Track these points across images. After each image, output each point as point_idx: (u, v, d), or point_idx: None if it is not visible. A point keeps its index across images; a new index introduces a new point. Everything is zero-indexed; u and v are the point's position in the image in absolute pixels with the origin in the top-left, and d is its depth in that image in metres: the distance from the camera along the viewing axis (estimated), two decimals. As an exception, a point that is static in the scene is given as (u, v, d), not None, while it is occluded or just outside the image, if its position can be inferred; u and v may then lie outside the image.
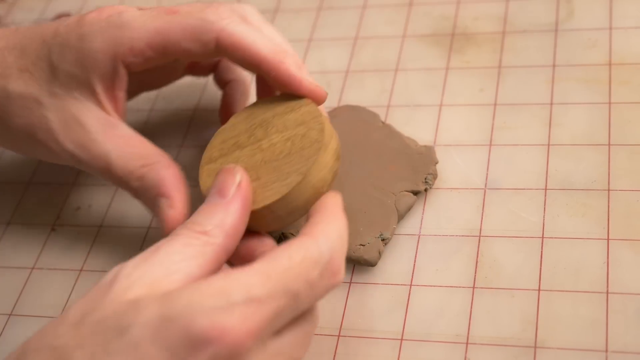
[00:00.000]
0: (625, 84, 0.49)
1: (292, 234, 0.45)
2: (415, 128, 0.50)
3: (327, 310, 0.43)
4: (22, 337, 0.46)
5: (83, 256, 0.49)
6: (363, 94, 0.53)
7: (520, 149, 0.48)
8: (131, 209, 0.51)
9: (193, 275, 0.35)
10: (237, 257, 0.40)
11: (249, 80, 0.52)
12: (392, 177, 0.47)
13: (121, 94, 0.45)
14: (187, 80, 0.55)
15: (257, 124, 0.43)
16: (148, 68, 0.45)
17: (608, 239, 0.42)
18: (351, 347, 0.42)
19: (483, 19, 0.55)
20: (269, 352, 0.34)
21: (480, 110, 0.50)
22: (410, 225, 0.46)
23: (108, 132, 0.44)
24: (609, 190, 0.44)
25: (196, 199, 0.52)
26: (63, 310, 0.47)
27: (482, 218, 0.45)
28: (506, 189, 0.46)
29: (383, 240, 0.44)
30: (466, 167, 0.47)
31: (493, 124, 0.49)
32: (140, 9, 0.45)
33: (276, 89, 0.45)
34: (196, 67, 0.52)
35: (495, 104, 0.50)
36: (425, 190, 0.46)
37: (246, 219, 0.38)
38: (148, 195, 0.43)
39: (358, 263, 0.44)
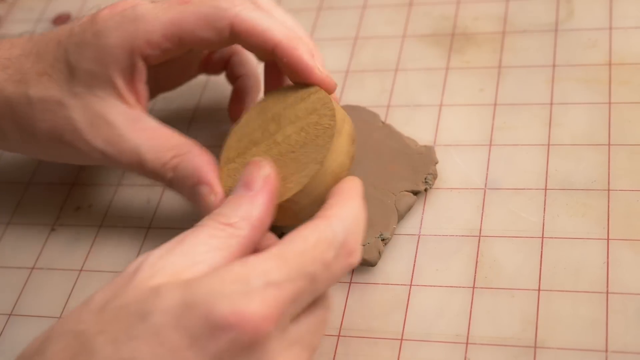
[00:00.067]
0: (625, 84, 0.49)
1: None
2: (415, 128, 0.50)
3: (327, 310, 0.43)
4: (22, 337, 0.47)
5: (83, 256, 0.49)
6: (363, 94, 0.53)
7: (520, 149, 0.48)
8: (131, 209, 0.51)
9: (217, 266, 0.35)
10: None
11: (260, 74, 0.52)
12: (392, 177, 0.47)
13: (142, 87, 0.46)
14: (187, 80, 0.55)
15: (269, 118, 0.44)
16: (165, 61, 0.46)
17: (608, 239, 0.42)
18: (351, 347, 0.42)
19: (483, 19, 0.55)
20: (289, 339, 0.34)
21: (480, 110, 0.50)
22: (410, 225, 0.46)
23: (134, 126, 0.45)
24: (609, 190, 0.44)
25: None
26: (64, 309, 0.47)
27: (482, 218, 0.45)
28: (506, 189, 0.46)
29: (383, 240, 0.44)
30: (466, 167, 0.47)
31: (493, 124, 0.49)
32: (152, 1, 0.45)
33: (287, 76, 0.45)
34: (209, 64, 0.53)
35: (495, 104, 0.50)
36: (425, 190, 0.46)
37: (272, 212, 0.38)
38: (185, 185, 0.43)
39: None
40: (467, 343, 0.41)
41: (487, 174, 0.47)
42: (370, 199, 0.46)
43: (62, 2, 0.67)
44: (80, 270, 0.49)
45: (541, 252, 0.43)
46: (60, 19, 0.66)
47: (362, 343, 0.42)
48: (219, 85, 0.56)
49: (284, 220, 0.41)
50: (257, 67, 0.52)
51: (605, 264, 0.42)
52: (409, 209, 0.46)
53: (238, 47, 0.51)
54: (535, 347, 0.40)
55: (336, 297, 0.44)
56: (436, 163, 0.47)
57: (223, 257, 0.35)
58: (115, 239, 0.50)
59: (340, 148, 0.41)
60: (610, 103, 0.48)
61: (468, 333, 0.41)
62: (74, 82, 0.45)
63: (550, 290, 0.41)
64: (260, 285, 0.33)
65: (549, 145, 0.47)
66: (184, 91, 0.57)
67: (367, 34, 0.57)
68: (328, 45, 0.57)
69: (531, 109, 0.49)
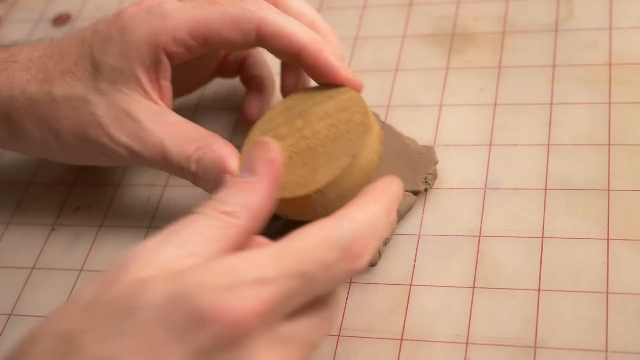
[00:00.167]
0: (625, 84, 0.49)
1: None
2: (415, 128, 0.50)
3: (327, 310, 0.43)
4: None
5: (83, 256, 0.49)
6: (363, 94, 0.53)
7: (520, 149, 0.48)
8: (131, 209, 0.51)
9: (211, 258, 0.34)
10: None
11: (273, 75, 0.52)
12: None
13: (166, 83, 0.46)
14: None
15: (295, 114, 0.44)
16: (182, 63, 0.46)
17: (608, 239, 0.42)
18: (351, 347, 0.42)
19: (483, 19, 0.55)
20: (279, 336, 0.33)
21: (480, 110, 0.50)
22: (410, 225, 0.46)
23: (158, 121, 0.45)
24: (609, 190, 0.44)
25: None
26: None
27: (482, 218, 0.45)
28: (506, 189, 0.46)
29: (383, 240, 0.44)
30: (466, 167, 0.47)
31: (493, 124, 0.49)
32: (179, 0, 0.46)
33: (312, 77, 0.45)
34: (225, 67, 0.53)
35: (495, 104, 0.50)
36: (425, 190, 0.46)
37: (273, 199, 0.37)
38: (209, 176, 0.44)
39: (358, 263, 0.44)
40: (467, 343, 0.41)
41: (487, 174, 0.47)
42: (370, 199, 0.46)
43: (62, 2, 0.67)
44: (80, 270, 0.49)
45: (541, 252, 0.43)
46: (60, 19, 0.66)
47: (362, 343, 0.42)
48: (217, 82, 0.56)
49: (309, 214, 0.41)
50: (271, 68, 0.52)
51: (605, 264, 0.42)
52: (409, 209, 0.46)
53: (253, 49, 0.52)
54: (535, 347, 0.40)
55: (336, 297, 0.44)
56: (436, 163, 0.47)
57: (219, 249, 0.34)
58: (115, 239, 0.50)
59: (372, 145, 0.41)
60: (610, 103, 0.48)
61: (468, 333, 0.41)
62: (98, 78, 0.45)
63: (550, 290, 0.41)
64: (250, 280, 0.32)
65: (549, 145, 0.47)
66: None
67: (367, 34, 0.57)
68: (328, 45, 0.57)
69: (531, 109, 0.49)
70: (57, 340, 0.32)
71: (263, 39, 0.44)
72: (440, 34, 0.55)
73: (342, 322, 0.43)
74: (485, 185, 0.46)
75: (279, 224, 0.46)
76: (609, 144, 0.46)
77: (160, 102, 0.46)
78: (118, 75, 0.45)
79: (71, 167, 0.54)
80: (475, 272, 0.43)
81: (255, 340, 0.32)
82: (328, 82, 0.44)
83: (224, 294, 0.31)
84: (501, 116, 0.49)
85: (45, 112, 0.46)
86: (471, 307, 0.42)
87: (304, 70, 0.46)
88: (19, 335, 0.47)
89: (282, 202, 0.41)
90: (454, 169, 0.48)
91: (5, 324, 0.47)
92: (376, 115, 0.50)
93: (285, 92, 0.49)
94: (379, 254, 0.44)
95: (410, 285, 0.43)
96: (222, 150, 0.44)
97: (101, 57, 0.45)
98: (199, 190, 0.49)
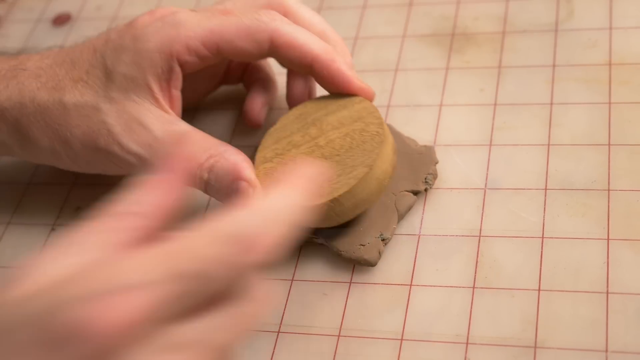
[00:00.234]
0: (625, 84, 0.49)
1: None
2: (415, 128, 0.50)
3: (327, 310, 0.43)
4: (22, 337, 0.46)
5: (83, 256, 0.49)
6: (363, 94, 0.53)
7: (520, 149, 0.48)
8: (131, 209, 0.51)
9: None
10: None
11: (275, 76, 0.53)
12: (392, 177, 0.47)
13: (177, 92, 0.46)
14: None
15: (309, 122, 0.45)
16: (192, 72, 0.46)
17: (608, 239, 0.42)
18: (351, 347, 0.42)
19: (483, 19, 0.55)
20: (172, 341, 0.30)
21: (480, 110, 0.50)
22: (410, 225, 0.46)
23: (169, 129, 0.45)
24: (609, 190, 0.44)
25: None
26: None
27: (482, 218, 0.45)
28: (506, 189, 0.46)
29: (383, 240, 0.44)
30: (466, 167, 0.47)
31: (493, 124, 0.49)
32: (192, 10, 0.46)
33: (323, 87, 0.46)
34: (229, 75, 0.54)
35: (495, 104, 0.50)
36: (425, 190, 0.46)
37: (181, 196, 0.34)
38: (222, 183, 0.44)
39: (358, 263, 0.44)
40: (467, 343, 0.41)
41: (487, 174, 0.47)
42: (370, 199, 0.46)
43: (62, 2, 0.67)
44: (80, 270, 0.49)
45: (541, 252, 0.43)
46: (60, 19, 0.66)
47: (362, 343, 0.42)
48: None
49: (325, 221, 0.42)
50: (273, 72, 0.53)
51: (605, 264, 0.42)
52: (409, 209, 0.46)
53: None
54: (535, 347, 0.40)
55: (336, 297, 0.44)
56: (436, 163, 0.47)
57: (118, 252, 0.31)
58: (115, 239, 0.50)
59: (386, 156, 0.42)
60: (610, 103, 0.48)
61: (468, 333, 0.41)
62: (110, 86, 0.45)
63: (550, 290, 0.41)
64: (127, 285, 0.29)
65: (549, 145, 0.47)
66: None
67: (367, 34, 0.57)
68: (328, 45, 0.57)
69: (531, 109, 0.49)
70: None
71: (276, 49, 0.45)
72: (440, 34, 0.55)
73: (342, 322, 0.43)
74: (485, 185, 0.46)
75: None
76: (609, 144, 0.46)
77: (170, 111, 0.46)
78: (130, 84, 0.45)
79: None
80: (475, 272, 0.43)
81: (136, 350, 0.29)
82: (340, 92, 0.45)
83: (94, 303, 0.28)
84: (501, 116, 0.49)
85: (55, 119, 0.46)
86: (471, 307, 0.42)
87: (315, 80, 0.46)
88: (19, 335, 0.47)
89: None
90: (454, 169, 0.48)
91: (5, 324, 0.47)
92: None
93: (292, 101, 0.50)
94: (379, 254, 0.44)
95: (410, 285, 0.43)
96: (235, 158, 0.44)
97: (113, 66, 0.45)
98: (197, 191, 0.49)
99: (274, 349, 0.43)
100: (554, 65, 0.51)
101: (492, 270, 0.43)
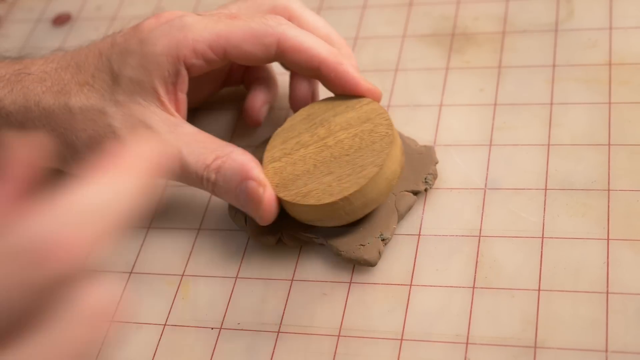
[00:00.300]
0: (625, 84, 0.49)
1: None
2: (415, 128, 0.50)
3: (327, 310, 0.43)
4: (22, 337, 0.46)
5: (83, 256, 0.49)
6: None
7: (520, 149, 0.48)
8: (131, 209, 0.51)
9: None
10: None
11: (276, 77, 0.53)
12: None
13: (182, 95, 0.46)
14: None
15: (317, 123, 0.46)
16: (196, 75, 0.46)
17: (608, 239, 0.42)
18: (351, 347, 0.42)
19: (483, 19, 0.55)
20: None
21: (480, 110, 0.50)
22: (410, 225, 0.46)
23: (175, 132, 0.45)
24: (609, 190, 0.44)
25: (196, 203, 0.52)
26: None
27: (482, 218, 0.45)
28: (506, 189, 0.46)
29: (383, 240, 0.44)
30: (466, 167, 0.47)
31: (493, 124, 0.49)
32: (198, 14, 0.46)
33: (329, 89, 0.47)
34: (231, 76, 0.54)
35: (495, 104, 0.50)
36: (425, 190, 0.46)
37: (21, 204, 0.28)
38: (230, 183, 0.44)
39: (358, 263, 0.44)
40: (467, 343, 0.41)
41: (487, 174, 0.47)
42: (370, 199, 0.46)
43: (62, 2, 0.67)
44: (80, 270, 0.49)
45: (541, 252, 0.43)
46: (60, 19, 0.66)
47: (362, 343, 0.42)
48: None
49: (333, 220, 0.43)
50: (273, 71, 0.53)
51: (605, 264, 0.42)
52: (409, 209, 0.46)
53: None
54: (535, 347, 0.40)
55: (336, 297, 0.44)
56: (436, 163, 0.47)
57: None
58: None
59: (395, 156, 0.43)
60: (610, 103, 0.48)
61: (468, 333, 0.41)
62: (116, 90, 0.45)
63: (550, 290, 0.41)
64: None
65: (549, 145, 0.47)
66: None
67: (367, 34, 0.57)
68: (328, 45, 0.57)
69: (531, 109, 0.49)
70: None
71: (283, 53, 0.45)
72: (440, 34, 0.55)
73: (342, 322, 0.43)
74: (485, 185, 0.46)
75: (277, 226, 0.46)
76: (609, 144, 0.46)
77: (176, 113, 0.46)
78: (136, 87, 0.45)
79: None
80: (475, 272, 0.43)
81: None
82: (348, 93, 0.46)
83: None
84: (501, 116, 0.49)
85: (60, 123, 0.46)
86: (471, 307, 0.42)
87: (321, 83, 0.47)
88: (19, 335, 0.47)
89: (307, 209, 0.43)
90: (454, 169, 0.48)
91: (5, 324, 0.47)
92: None
93: (295, 103, 0.50)
94: (379, 254, 0.44)
95: (410, 285, 0.43)
96: (242, 158, 0.44)
97: (120, 69, 0.45)
98: (198, 190, 0.50)
99: (274, 349, 0.43)
100: (554, 65, 0.51)
101: (492, 270, 0.43)
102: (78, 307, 0.27)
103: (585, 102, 0.49)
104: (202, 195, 0.50)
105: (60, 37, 0.64)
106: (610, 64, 0.50)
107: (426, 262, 0.44)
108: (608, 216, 0.43)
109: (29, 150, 0.28)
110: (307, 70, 0.46)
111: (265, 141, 0.50)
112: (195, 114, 0.55)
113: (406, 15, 0.57)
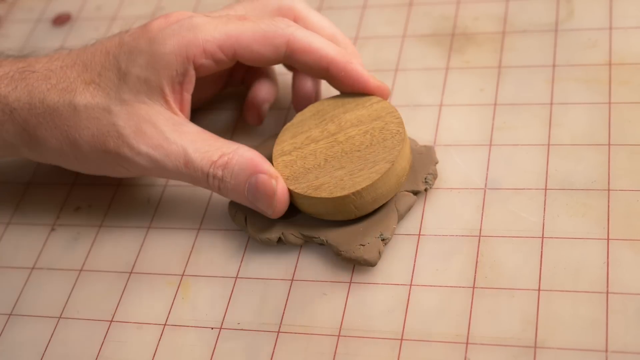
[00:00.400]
0: (625, 84, 0.49)
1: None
2: (415, 128, 0.50)
3: (327, 310, 0.43)
4: (22, 337, 0.47)
5: (83, 256, 0.49)
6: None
7: (520, 149, 0.48)
8: (131, 209, 0.51)
9: None
10: None
11: (277, 76, 0.53)
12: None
13: (187, 96, 0.47)
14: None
15: (327, 119, 0.47)
16: (211, 73, 0.47)
17: (608, 239, 0.42)
18: (351, 347, 0.42)
19: (483, 19, 0.55)
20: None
21: (480, 110, 0.50)
22: (410, 225, 0.46)
23: (179, 130, 0.46)
24: (609, 190, 0.44)
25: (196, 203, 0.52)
26: (64, 309, 0.47)
27: (482, 218, 0.45)
28: (506, 189, 0.46)
29: (383, 240, 0.44)
30: (466, 167, 0.47)
31: (493, 124, 0.49)
32: (207, 15, 0.47)
33: (337, 88, 0.47)
34: (233, 78, 0.54)
35: (495, 104, 0.50)
36: (425, 190, 0.46)
37: None
38: (239, 179, 0.44)
39: (358, 263, 0.44)
40: (467, 343, 0.41)
41: (487, 174, 0.47)
42: (370, 199, 0.46)
43: (62, 2, 0.67)
44: (80, 270, 0.49)
45: (541, 252, 0.43)
46: (60, 19, 0.66)
47: (362, 343, 0.42)
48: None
49: (343, 214, 0.44)
50: (274, 70, 0.53)
51: (605, 264, 0.42)
52: (409, 209, 0.46)
53: None
54: (535, 347, 0.40)
55: (336, 297, 0.44)
56: (436, 163, 0.47)
57: None
58: (115, 239, 0.50)
59: (406, 154, 0.44)
60: (610, 103, 0.48)
61: (468, 333, 0.41)
62: (122, 88, 0.46)
63: (550, 290, 0.41)
64: None
65: (549, 145, 0.47)
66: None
67: (367, 34, 0.57)
68: (328, 45, 0.57)
69: (531, 109, 0.49)
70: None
71: (292, 54, 0.46)
72: (440, 34, 0.55)
73: (342, 322, 0.43)
74: (485, 185, 0.46)
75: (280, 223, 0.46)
76: (609, 144, 0.46)
77: (180, 113, 0.47)
78: (143, 86, 0.45)
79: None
80: (475, 272, 0.43)
81: None
82: (357, 91, 0.47)
83: None
84: (501, 116, 0.49)
85: (64, 121, 0.46)
86: (471, 307, 0.42)
87: (329, 82, 0.47)
88: (19, 335, 0.47)
89: (319, 202, 0.44)
90: (454, 169, 0.48)
91: (5, 324, 0.47)
92: None
93: (299, 102, 0.50)
94: (379, 254, 0.44)
95: (410, 285, 0.43)
96: (250, 154, 0.45)
97: (127, 68, 0.46)
98: (198, 190, 0.50)
99: (274, 349, 0.43)
100: (554, 65, 0.51)
101: (492, 270, 0.43)
102: None
103: (585, 102, 0.49)
104: (202, 195, 0.50)
105: (60, 37, 0.64)
106: (610, 64, 0.50)
107: (426, 262, 0.44)
108: (608, 216, 0.43)
109: None
110: (316, 71, 0.46)
111: (266, 141, 0.50)
112: (195, 114, 0.55)
113: (406, 15, 0.57)
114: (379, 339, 0.42)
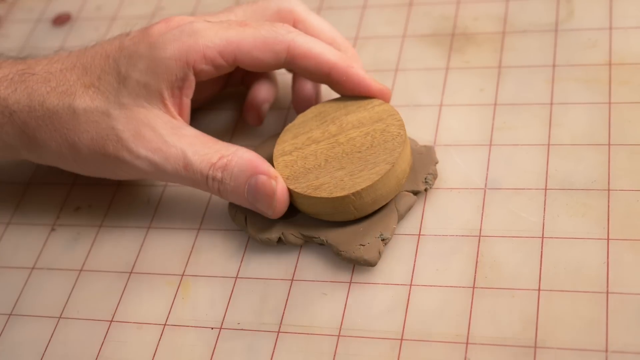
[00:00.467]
0: (625, 84, 0.49)
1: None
2: (415, 128, 0.50)
3: (327, 310, 0.43)
4: (22, 337, 0.47)
5: (83, 256, 0.49)
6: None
7: (520, 149, 0.48)
8: (131, 209, 0.51)
9: None
10: None
11: (276, 77, 0.53)
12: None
13: (187, 100, 0.47)
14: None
15: (329, 121, 0.47)
16: (211, 78, 0.47)
17: (608, 239, 0.42)
18: (351, 347, 0.42)
19: (483, 19, 0.55)
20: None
21: (480, 110, 0.50)
22: (410, 225, 0.46)
23: (178, 134, 0.46)
24: (609, 190, 0.44)
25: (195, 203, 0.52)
26: (64, 309, 0.47)
27: (482, 218, 0.45)
28: (506, 189, 0.46)
29: (383, 240, 0.44)
30: (466, 167, 0.47)
31: (493, 124, 0.49)
32: (207, 20, 0.47)
33: (338, 92, 0.48)
34: (232, 79, 0.54)
35: (495, 104, 0.50)
36: (425, 190, 0.46)
37: None
38: (239, 180, 0.45)
39: (358, 263, 0.44)
40: (467, 343, 0.41)
41: (487, 174, 0.47)
42: (370, 199, 0.46)
43: (62, 2, 0.67)
44: (80, 270, 0.49)
45: (541, 252, 0.43)
46: (60, 19, 0.66)
47: (362, 343, 0.42)
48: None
49: (342, 214, 0.44)
50: (274, 71, 0.53)
51: (605, 264, 0.42)
52: (409, 209, 0.46)
53: None
54: (535, 347, 0.40)
55: (336, 297, 0.44)
56: (436, 163, 0.47)
57: None
58: (115, 239, 0.50)
59: (406, 156, 0.45)
60: (610, 103, 0.48)
61: (468, 333, 0.41)
62: (122, 92, 0.46)
63: (550, 290, 0.41)
64: None
65: (549, 145, 0.47)
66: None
67: (367, 34, 0.57)
68: (328, 45, 0.57)
69: (531, 109, 0.49)
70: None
71: (293, 59, 0.46)
72: (440, 34, 0.55)
73: (342, 322, 0.43)
74: (485, 185, 0.46)
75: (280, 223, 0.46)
76: (609, 144, 0.46)
77: (178, 117, 0.47)
78: (142, 90, 0.45)
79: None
80: (475, 272, 0.43)
81: None
82: (359, 95, 0.47)
83: None
84: (501, 116, 0.49)
85: (63, 124, 0.46)
86: (471, 307, 0.42)
87: (330, 86, 0.47)
88: (19, 335, 0.47)
89: (318, 202, 0.44)
90: (454, 169, 0.48)
91: (5, 324, 0.47)
92: None
93: (300, 104, 0.50)
94: (379, 254, 0.44)
95: (410, 285, 0.43)
96: (249, 155, 0.45)
97: (127, 72, 0.46)
98: (198, 190, 0.50)
99: (274, 349, 0.43)
100: (554, 65, 0.51)
101: (492, 270, 0.43)
102: None
103: (585, 102, 0.49)
104: (202, 195, 0.50)
105: (60, 37, 0.64)
106: (610, 64, 0.50)
107: (426, 262, 0.44)
108: (608, 216, 0.43)
109: None
110: (317, 76, 0.47)
111: (266, 141, 0.50)
112: (195, 114, 0.55)
113: (406, 15, 0.57)
114: (379, 339, 0.42)
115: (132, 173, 0.47)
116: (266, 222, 0.46)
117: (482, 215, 0.45)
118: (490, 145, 0.48)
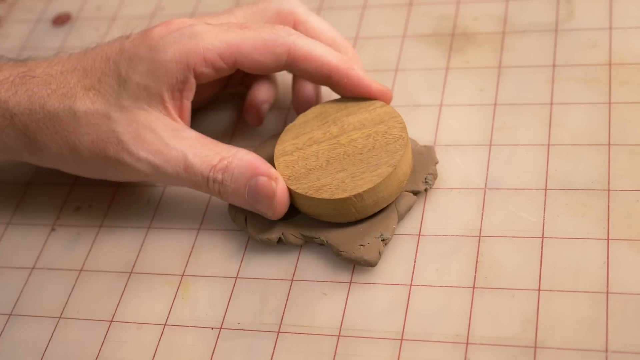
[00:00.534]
0: (625, 84, 0.49)
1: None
2: (415, 128, 0.50)
3: (327, 310, 0.43)
4: (22, 337, 0.47)
5: (83, 256, 0.49)
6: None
7: (520, 149, 0.48)
8: (131, 209, 0.51)
9: None
10: None
11: (276, 77, 0.53)
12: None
13: (187, 103, 0.47)
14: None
15: (330, 122, 0.47)
16: (211, 80, 0.47)
17: (608, 239, 0.42)
18: (351, 347, 0.42)
19: (483, 19, 0.55)
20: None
21: (480, 110, 0.50)
22: (410, 225, 0.46)
23: (178, 136, 0.46)
24: (609, 190, 0.44)
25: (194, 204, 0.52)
26: (64, 309, 0.47)
27: (482, 218, 0.45)
28: (506, 189, 0.46)
29: (383, 240, 0.44)
30: (466, 167, 0.47)
31: (493, 124, 0.49)
32: (208, 23, 0.47)
33: (339, 93, 0.48)
34: (232, 80, 0.54)
35: (495, 104, 0.50)
36: (425, 190, 0.46)
37: None
38: (239, 181, 0.45)
39: (358, 263, 0.44)
40: (467, 343, 0.41)
41: (487, 174, 0.47)
42: (370, 199, 0.46)
43: (62, 2, 0.67)
44: (80, 270, 0.49)
45: (541, 252, 0.43)
46: (60, 19, 0.66)
47: (362, 343, 0.42)
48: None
49: (343, 216, 0.44)
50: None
51: (605, 264, 0.42)
52: (409, 209, 0.46)
53: None
54: (535, 347, 0.40)
55: (336, 297, 0.44)
56: (436, 163, 0.47)
57: None
58: (115, 239, 0.50)
59: (407, 159, 0.45)
60: (610, 103, 0.48)
61: (468, 333, 0.41)
62: (122, 95, 0.46)
63: (550, 290, 0.41)
64: None
65: (549, 145, 0.47)
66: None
67: (367, 34, 0.57)
68: (328, 45, 0.57)
69: (531, 109, 0.49)
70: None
71: (293, 62, 0.46)
72: (440, 34, 0.55)
73: (342, 322, 0.43)
74: (485, 185, 0.46)
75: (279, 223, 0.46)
76: (609, 144, 0.46)
77: (179, 119, 0.47)
78: (142, 92, 0.46)
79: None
80: (475, 272, 0.43)
81: None
82: (360, 96, 0.47)
83: None
84: (501, 116, 0.49)
85: (64, 126, 0.46)
86: (471, 307, 0.42)
87: (331, 88, 0.47)
88: (19, 335, 0.47)
89: (319, 202, 0.44)
90: (454, 169, 0.48)
91: (5, 324, 0.47)
92: None
93: (300, 105, 0.50)
94: (379, 254, 0.44)
95: (410, 285, 0.43)
96: (249, 157, 0.45)
97: (128, 74, 0.46)
98: (198, 191, 0.50)
99: (274, 349, 0.43)
100: (554, 65, 0.51)
101: (492, 270, 0.43)
102: None
103: (585, 102, 0.49)
104: (202, 195, 0.50)
105: (60, 37, 0.64)
106: (610, 64, 0.50)
107: (426, 262, 0.44)
108: (608, 216, 0.43)
109: None
110: (318, 78, 0.47)
111: (266, 141, 0.50)
112: (195, 115, 0.55)
113: (406, 15, 0.57)
114: (379, 339, 0.42)
115: (132, 175, 0.47)
116: (266, 223, 0.46)
117: (482, 215, 0.45)
118: (490, 145, 0.48)
